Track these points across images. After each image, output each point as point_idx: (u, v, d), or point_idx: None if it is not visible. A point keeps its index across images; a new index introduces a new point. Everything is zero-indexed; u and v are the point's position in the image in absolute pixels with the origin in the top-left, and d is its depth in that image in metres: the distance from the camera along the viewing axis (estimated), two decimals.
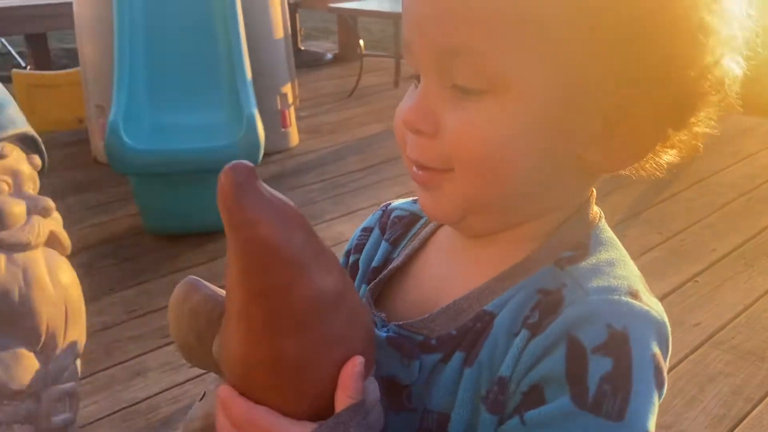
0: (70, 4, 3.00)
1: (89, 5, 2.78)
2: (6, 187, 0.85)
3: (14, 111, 0.95)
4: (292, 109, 3.18)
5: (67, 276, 0.95)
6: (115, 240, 2.27)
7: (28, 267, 0.88)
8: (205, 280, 1.93)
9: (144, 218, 2.26)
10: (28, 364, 0.88)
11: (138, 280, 1.99)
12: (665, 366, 0.44)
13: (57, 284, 0.94)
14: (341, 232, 2.28)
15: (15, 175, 0.89)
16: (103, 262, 2.11)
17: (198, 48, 2.56)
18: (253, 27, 2.77)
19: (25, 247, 0.89)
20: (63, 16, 3.89)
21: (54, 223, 0.92)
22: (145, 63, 2.49)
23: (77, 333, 1.02)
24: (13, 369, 0.79)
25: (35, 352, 0.84)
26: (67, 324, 0.92)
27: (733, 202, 2.47)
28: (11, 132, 0.91)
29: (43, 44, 4.17)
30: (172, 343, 1.67)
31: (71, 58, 6.69)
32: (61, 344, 0.95)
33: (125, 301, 1.89)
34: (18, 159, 0.91)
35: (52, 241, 0.92)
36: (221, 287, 1.79)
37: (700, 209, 2.40)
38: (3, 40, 6.05)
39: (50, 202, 0.93)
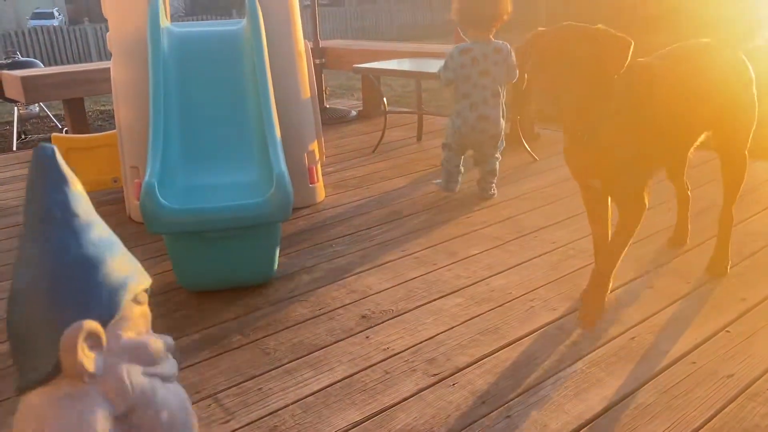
0: (107, 70, 3.15)
1: (126, 71, 2.93)
2: (142, 328, 1.02)
3: (140, 267, 1.16)
4: (319, 165, 3.26)
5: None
6: (150, 297, 2.32)
7: (177, 393, 1.06)
8: (238, 335, 2.01)
9: (178, 275, 2.32)
10: None
11: (172, 337, 2.03)
12: None
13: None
14: (369, 284, 2.32)
15: (145, 317, 1.08)
16: None
17: (229, 111, 2.67)
18: (283, 89, 2.88)
19: (170, 379, 1.04)
20: (100, 81, 4.09)
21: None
22: (179, 126, 2.60)
23: None
24: None
25: None
26: None
27: (760, 251, 2.45)
28: (148, 284, 1.09)
29: (81, 108, 4.36)
30: (206, 398, 1.70)
31: (105, 119, 6.95)
32: None
33: None
34: (146, 304, 1.10)
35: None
36: (251, 343, 1.86)
37: None
38: (41, 103, 6.32)
39: (171, 340, 1.13)
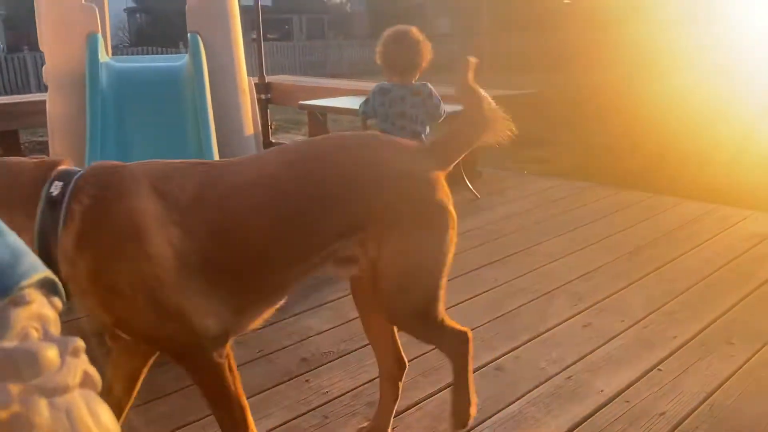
0: (43, 102, 3.06)
1: (62, 105, 2.85)
2: (35, 333, 0.85)
3: (33, 257, 0.96)
4: None
5: (106, 414, 0.93)
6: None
7: (70, 410, 0.87)
8: (172, 380, 1.92)
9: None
10: None
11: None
12: None
13: (98, 424, 0.93)
14: (309, 326, 2.28)
15: (41, 319, 0.89)
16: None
17: (169, 146, 2.63)
18: (225, 125, 2.86)
19: (64, 390, 0.87)
20: (35, 114, 3.97)
21: (85, 362, 0.91)
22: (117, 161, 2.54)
23: None
24: None
25: None
26: None
27: (691, 289, 2.54)
28: (35, 278, 0.92)
29: (15, 140, 4.22)
30: (177, 430, 1.61)
31: (42, 150, 6.73)
32: None
33: None
34: (41, 303, 0.92)
35: (84, 381, 0.91)
36: (186, 388, 1.79)
37: (660, 296, 2.47)
38: None
39: (80, 342, 0.94)
